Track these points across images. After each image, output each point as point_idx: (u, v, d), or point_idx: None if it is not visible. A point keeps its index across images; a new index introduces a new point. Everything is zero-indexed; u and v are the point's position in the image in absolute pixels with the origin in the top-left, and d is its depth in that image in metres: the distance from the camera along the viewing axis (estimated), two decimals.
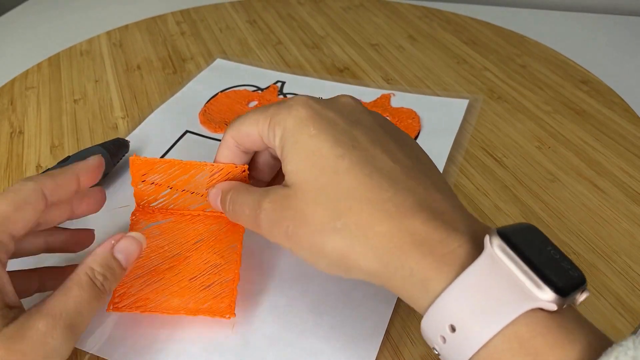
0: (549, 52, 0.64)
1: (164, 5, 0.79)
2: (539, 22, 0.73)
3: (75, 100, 0.58)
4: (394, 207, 0.26)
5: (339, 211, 0.26)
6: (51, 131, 0.54)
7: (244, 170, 0.35)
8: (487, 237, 0.24)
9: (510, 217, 0.43)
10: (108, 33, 0.71)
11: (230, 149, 0.34)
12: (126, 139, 0.50)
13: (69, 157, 0.45)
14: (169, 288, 0.35)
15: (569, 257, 0.25)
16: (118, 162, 0.47)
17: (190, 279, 0.36)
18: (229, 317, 0.34)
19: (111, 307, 0.34)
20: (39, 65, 0.65)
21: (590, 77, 0.59)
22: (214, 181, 0.36)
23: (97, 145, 0.47)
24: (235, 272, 0.36)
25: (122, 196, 0.45)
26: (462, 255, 0.24)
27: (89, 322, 0.29)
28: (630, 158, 0.48)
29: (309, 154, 0.28)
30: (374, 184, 0.26)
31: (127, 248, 0.32)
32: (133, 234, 0.33)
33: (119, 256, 0.31)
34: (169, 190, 0.37)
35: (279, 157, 0.30)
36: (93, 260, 0.30)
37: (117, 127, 0.54)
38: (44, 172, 0.38)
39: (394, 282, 0.26)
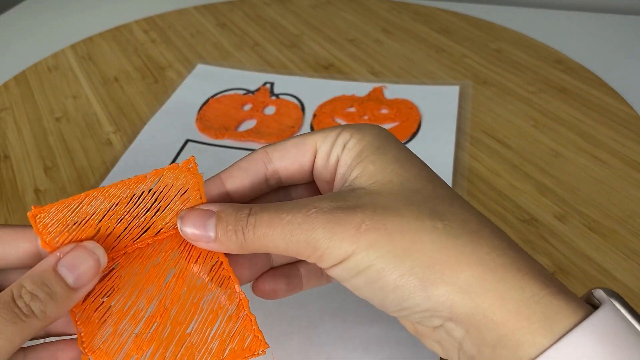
0: (519, 36, 0.67)
1: (125, 14, 0.76)
2: (532, 21, 0.76)
3: (57, 119, 0.55)
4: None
5: (439, 212, 0.23)
6: (40, 153, 0.51)
7: (191, 164, 0.27)
8: (599, 291, 0.23)
9: (528, 194, 0.44)
10: (73, 47, 0.68)
11: (246, 169, 0.28)
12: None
13: None
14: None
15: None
16: None
17: (187, 333, 0.26)
18: (263, 351, 0.26)
19: None
20: (5, 85, 0.61)
21: (562, 57, 0.63)
22: (162, 196, 0.27)
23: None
24: (236, 293, 0.27)
25: None
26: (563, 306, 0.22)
27: (7, 352, 0.22)
28: (618, 129, 0.51)
29: (399, 157, 0.26)
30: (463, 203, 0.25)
31: (74, 262, 0.24)
32: (87, 243, 0.25)
33: (64, 271, 0.24)
34: (99, 229, 0.26)
35: (341, 165, 0.26)
36: (26, 275, 0.24)
37: (110, 142, 0.52)
38: None
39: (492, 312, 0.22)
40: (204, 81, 0.61)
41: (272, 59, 0.64)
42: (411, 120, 0.53)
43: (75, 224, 0.25)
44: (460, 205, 0.24)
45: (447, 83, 0.59)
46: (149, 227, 0.27)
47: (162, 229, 0.28)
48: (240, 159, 0.29)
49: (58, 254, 0.25)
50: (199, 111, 0.56)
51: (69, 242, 0.26)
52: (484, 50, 0.65)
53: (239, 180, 0.28)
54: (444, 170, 0.47)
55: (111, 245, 0.27)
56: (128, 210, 0.26)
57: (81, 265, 0.25)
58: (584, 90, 0.57)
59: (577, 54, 0.63)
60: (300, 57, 0.65)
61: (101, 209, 0.26)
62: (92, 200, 0.26)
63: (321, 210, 0.23)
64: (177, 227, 0.27)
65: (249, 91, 0.59)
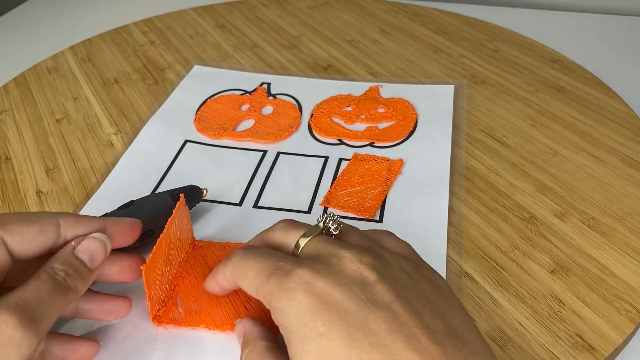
0: (516, 36, 0.68)
1: (123, 16, 0.76)
2: (529, 21, 0.77)
3: (57, 120, 0.55)
4: None
5: None
6: (41, 154, 0.51)
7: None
8: None
9: (527, 192, 0.45)
10: (72, 48, 0.68)
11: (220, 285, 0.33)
12: (201, 187, 0.43)
13: (132, 201, 0.40)
14: (214, 301, 0.35)
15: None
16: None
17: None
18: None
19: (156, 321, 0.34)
20: (5, 87, 0.61)
21: (559, 56, 0.63)
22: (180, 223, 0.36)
23: (166, 191, 0.41)
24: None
25: None
26: None
27: (54, 317, 0.27)
28: (616, 127, 0.52)
29: (320, 356, 0.24)
30: None
31: (89, 248, 0.30)
32: (97, 234, 0.31)
33: (82, 256, 0.30)
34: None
35: (285, 341, 0.27)
36: (52, 260, 0.29)
37: (112, 143, 0.52)
38: (103, 214, 0.37)
39: None
40: (201, 82, 0.61)
41: (271, 60, 0.65)
42: (408, 119, 0.53)
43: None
44: None
45: (443, 82, 0.59)
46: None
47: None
48: (220, 269, 0.33)
49: (73, 244, 0.30)
50: (197, 112, 0.56)
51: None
52: (482, 50, 0.65)
53: (227, 287, 0.33)
54: (441, 169, 0.47)
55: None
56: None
57: (93, 250, 0.30)
58: (581, 90, 0.57)
59: (574, 53, 0.64)
60: (299, 58, 0.65)
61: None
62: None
63: None
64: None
65: (246, 91, 0.59)
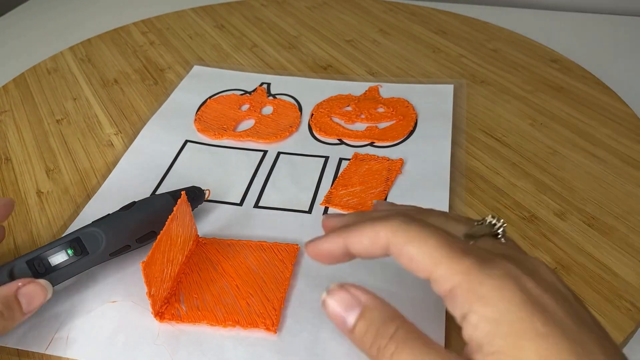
0: (515, 36, 0.68)
1: (123, 16, 0.76)
2: (528, 21, 0.77)
3: (57, 121, 0.55)
4: None
5: None
6: (41, 155, 0.51)
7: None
8: None
9: (528, 192, 0.45)
10: (71, 49, 0.68)
11: (367, 247, 0.27)
12: (203, 189, 0.43)
13: (134, 202, 0.39)
14: (216, 297, 0.36)
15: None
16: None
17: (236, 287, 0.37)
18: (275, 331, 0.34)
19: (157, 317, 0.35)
20: (4, 87, 0.61)
21: (558, 56, 0.63)
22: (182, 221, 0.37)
23: (168, 192, 0.41)
24: (282, 291, 0.36)
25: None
26: None
27: None
28: (615, 126, 0.52)
29: (542, 357, 0.22)
30: None
31: (30, 293, 0.33)
32: (41, 281, 0.33)
33: (22, 299, 0.32)
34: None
35: (476, 340, 0.23)
36: None
37: (112, 144, 0.52)
38: None
39: None
40: (201, 82, 0.61)
41: (271, 60, 0.65)
42: (408, 118, 0.54)
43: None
44: None
45: (443, 82, 0.59)
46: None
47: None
48: (362, 230, 0.27)
49: (19, 284, 0.32)
50: (197, 112, 0.56)
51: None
52: (481, 50, 0.65)
53: (358, 250, 0.27)
54: (442, 168, 0.47)
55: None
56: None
57: (34, 295, 0.33)
58: (580, 89, 0.57)
59: (573, 53, 0.64)
60: (299, 58, 0.65)
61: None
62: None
63: None
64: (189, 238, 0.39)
65: (246, 92, 0.59)
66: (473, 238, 0.27)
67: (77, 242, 0.36)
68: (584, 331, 0.22)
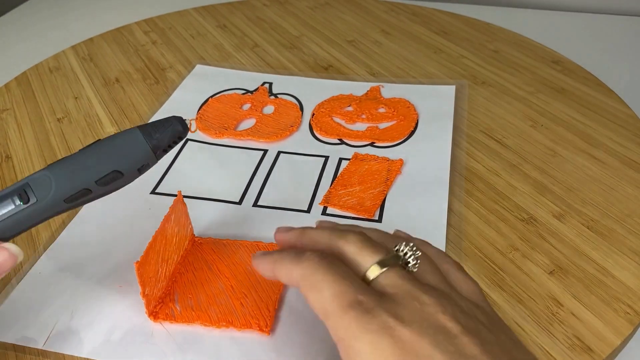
0: (517, 37, 0.68)
1: (125, 16, 0.77)
2: (530, 22, 0.77)
3: (58, 119, 0.56)
4: None
5: None
6: (42, 153, 0.51)
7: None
8: None
9: (527, 194, 0.45)
10: (74, 48, 0.68)
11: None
12: (186, 119, 0.35)
13: (98, 140, 0.33)
14: (210, 297, 0.36)
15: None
16: (166, 152, 0.34)
17: (230, 289, 0.37)
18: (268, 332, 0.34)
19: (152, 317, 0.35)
20: (7, 85, 0.61)
21: (560, 57, 0.63)
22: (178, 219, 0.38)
23: (136, 127, 0.33)
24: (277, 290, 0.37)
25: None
26: None
27: None
28: (616, 128, 0.52)
29: None
30: None
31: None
32: (9, 246, 0.31)
33: None
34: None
35: None
36: None
37: None
38: None
39: None
40: (203, 81, 0.61)
41: (272, 60, 0.65)
42: (409, 119, 0.53)
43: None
44: None
45: (444, 82, 0.59)
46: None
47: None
48: (285, 266, 0.30)
49: None
50: (198, 111, 0.56)
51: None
52: (482, 51, 0.65)
53: (282, 280, 0.30)
54: (442, 169, 0.47)
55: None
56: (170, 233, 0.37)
57: (2, 263, 0.31)
58: (581, 91, 0.57)
59: (575, 54, 0.64)
60: (300, 58, 0.65)
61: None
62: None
63: None
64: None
65: (247, 91, 0.59)
66: (385, 266, 0.28)
67: (24, 190, 0.31)
68: None
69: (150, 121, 0.34)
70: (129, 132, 0.33)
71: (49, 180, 0.31)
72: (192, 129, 0.35)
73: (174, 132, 0.33)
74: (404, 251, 0.29)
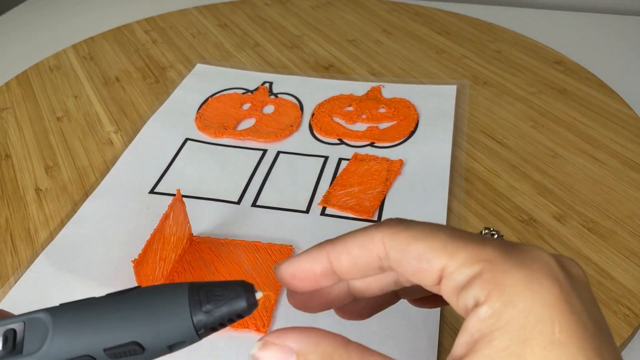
0: (519, 37, 0.67)
1: (126, 15, 0.77)
2: (532, 21, 0.76)
3: (58, 118, 0.56)
4: None
5: None
6: (41, 152, 0.51)
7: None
8: None
9: (527, 194, 0.45)
10: (74, 46, 0.68)
11: (355, 258, 0.22)
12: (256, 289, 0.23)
13: (137, 287, 0.23)
14: None
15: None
16: (214, 331, 0.22)
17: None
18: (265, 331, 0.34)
19: None
20: (7, 84, 0.61)
21: (562, 58, 0.63)
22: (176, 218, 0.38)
23: (186, 284, 0.22)
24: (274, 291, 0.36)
25: None
26: None
27: None
28: (617, 129, 0.52)
29: None
30: None
31: None
32: None
33: None
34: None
35: (479, 335, 0.19)
36: None
37: (111, 142, 0.52)
38: None
39: None
40: (203, 81, 0.61)
41: (273, 60, 0.65)
42: (409, 119, 0.53)
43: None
44: None
45: (445, 83, 0.59)
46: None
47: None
48: (350, 238, 0.22)
49: None
50: (198, 110, 0.56)
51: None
52: (484, 51, 0.65)
53: (346, 265, 0.22)
54: (441, 170, 0.47)
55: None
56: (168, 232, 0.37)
57: None
58: (583, 91, 0.57)
59: (577, 54, 0.63)
60: (301, 57, 0.65)
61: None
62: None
63: None
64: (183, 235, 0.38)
65: (248, 90, 0.59)
66: None
67: (13, 333, 0.22)
68: (603, 342, 0.19)
69: (204, 283, 0.22)
70: (174, 289, 0.22)
71: (44, 330, 0.21)
72: (258, 296, 0.22)
73: (233, 308, 0.22)
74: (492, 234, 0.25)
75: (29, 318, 0.22)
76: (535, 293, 0.18)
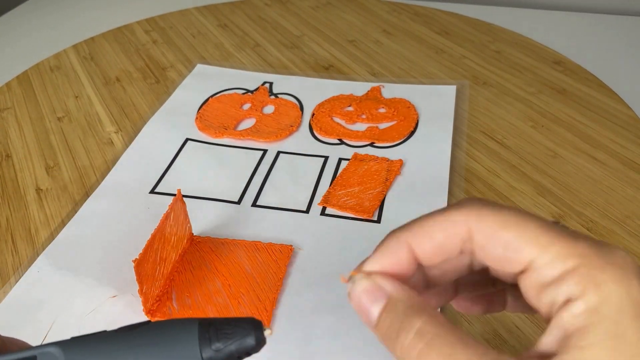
0: (519, 37, 0.67)
1: (126, 15, 0.77)
2: (532, 22, 0.76)
3: (59, 118, 0.56)
4: None
5: None
6: (42, 152, 0.51)
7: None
8: None
9: (526, 194, 0.45)
10: (75, 47, 0.68)
11: (440, 245, 0.21)
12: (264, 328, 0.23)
13: (147, 322, 0.23)
14: (208, 296, 0.36)
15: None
16: None
17: (228, 287, 0.37)
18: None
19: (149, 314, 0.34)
20: (7, 84, 0.61)
21: (561, 58, 0.63)
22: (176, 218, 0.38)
23: (196, 321, 0.22)
24: (274, 292, 0.36)
25: None
26: None
27: None
28: (617, 129, 0.52)
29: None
30: None
31: None
32: None
33: None
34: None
35: (569, 329, 0.19)
36: None
37: (112, 142, 0.52)
38: None
39: None
40: (204, 81, 0.61)
41: (273, 60, 0.65)
42: (409, 119, 0.53)
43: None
44: None
45: (445, 83, 0.59)
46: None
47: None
48: (430, 222, 0.22)
49: None
50: (198, 110, 0.56)
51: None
52: (484, 52, 0.65)
53: (429, 252, 0.22)
54: (441, 170, 0.47)
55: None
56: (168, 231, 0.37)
57: None
58: (583, 92, 0.57)
59: (576, 55, 0.63)
60: (301, 57, 0.65)
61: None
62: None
63: None
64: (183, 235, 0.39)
65: (248, 91, 0.59)
66: None
67: None
68: None
69: (214, 318, 0.23)
70: (185, 326, 0.23)
71: None
72: (267, 334, 0.23)
73: (242, 346, 0.22)
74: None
75: (41, 352, 0.22)
76: (629, 291, 0.19)
